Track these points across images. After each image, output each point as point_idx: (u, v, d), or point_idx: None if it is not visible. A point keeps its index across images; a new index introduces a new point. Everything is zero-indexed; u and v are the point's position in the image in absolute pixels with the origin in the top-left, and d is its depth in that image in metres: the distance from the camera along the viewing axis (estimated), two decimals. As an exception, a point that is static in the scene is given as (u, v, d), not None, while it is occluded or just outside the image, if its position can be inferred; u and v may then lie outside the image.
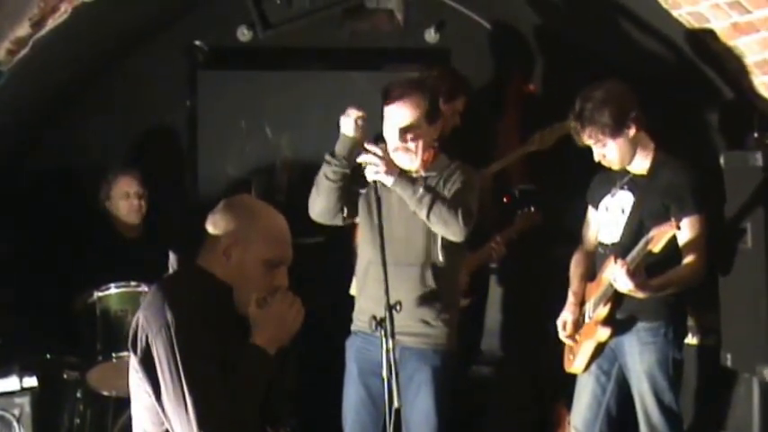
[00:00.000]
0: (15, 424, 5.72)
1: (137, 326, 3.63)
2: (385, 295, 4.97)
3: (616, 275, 5.23)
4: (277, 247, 3.78)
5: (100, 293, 6.09)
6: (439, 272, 5.40)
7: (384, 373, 4.94)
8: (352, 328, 5.68)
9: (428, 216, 5.30)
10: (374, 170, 5.25)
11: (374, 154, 5.24)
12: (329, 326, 5.83)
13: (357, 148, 5.34)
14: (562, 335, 5.67)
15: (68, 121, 7.32)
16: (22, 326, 6.27)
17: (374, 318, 5.04)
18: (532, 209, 6.74)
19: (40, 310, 6.36)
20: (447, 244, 5.40)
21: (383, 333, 4.94)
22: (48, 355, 6.20)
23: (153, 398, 3.59)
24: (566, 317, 5.67)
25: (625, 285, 5.20)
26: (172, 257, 3.68)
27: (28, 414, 5.76)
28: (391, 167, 5.28)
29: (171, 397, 3.53)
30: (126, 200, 6.61)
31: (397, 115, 5.36)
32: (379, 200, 5.23)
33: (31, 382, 5.84)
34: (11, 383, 5.79)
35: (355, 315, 5.67)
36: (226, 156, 7.48)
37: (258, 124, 7.42)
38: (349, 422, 5.67)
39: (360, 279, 5.58)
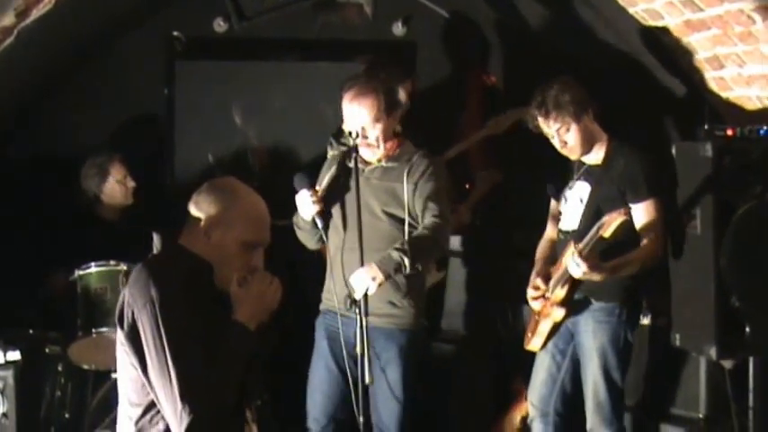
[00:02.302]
0: (-1, 396, 5.75)
1: (123, 302, 3.66)
2: None
3: (569, 260, 5.31)
4: (257, 229, 3.81)
5: (80, 272, 6.09)
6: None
7: (357, 349, 5.01)
8: (321, 307, 5.72)
9: (422, 265, 5.47)
10: (366, 288, 5.23)
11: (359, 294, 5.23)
12: (306, 305, 5.90)
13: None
14: (531, 295, 5.73)
15: (51, 109, 7.31)
16: (6, 303, 6.27)
17: (349, 297, 5.11)
18: (491, 169, 6.75)
19: (23, 289, 6.37)
20: (412, 230, 5.45)
21: (358, 311, 5.01)
22: (30, 331, 6.21)
23: (139, 371, 3.62)
24: (533, 282, 5.72)
25: (578, 268, 5.26)
26: (155, 238, 3.70)
27: (11, 386, 5.76)
28: (375, 277, 5.25)
29: (156, 370, 3.56)
30: (121, 185, 6.63)
31: (356, 114, 5.41)
32: (358, 183, 5.31)
33: (15, 356, 5.84)
34: (-5, 357, 5.82)
35: (324, 295, 5.70)
36: (202, 142, 7.50)
37: (232, 112, 7.44)
38: (317, 397, 5.69)
39: (329, 262, 5.60)
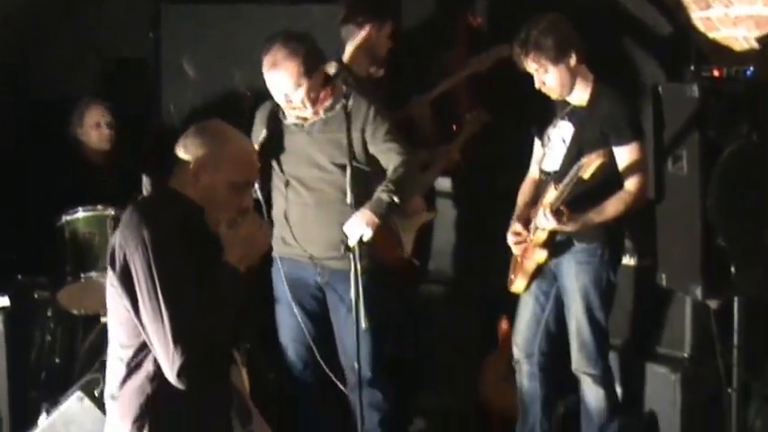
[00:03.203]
0: (-12, 341, 5.75)
1: (115, 244, 3.66)
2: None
3: (539, 218, 5.33)
4: (245, 170, 3.83)
5: (68, 217, 6.08)
6: (356, 200, 5.34)
7: (351, 294, 5.02)
8: (276, 254, 5.68)
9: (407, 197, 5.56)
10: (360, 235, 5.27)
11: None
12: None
13: None
14: (511, 240, 5.73)
15: (39, 54, 7.25)
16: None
17: (343, 242, 5.13)
18: (480, 110, 6.73)
19: (10, 234, 6.34)
20: (356, 174, 5.37)
21: (353, 257, 5.03)
22: (19, 276, 6.19)
23: (131, 312, 3.62)
24: (513, 228, 5.72)
25: (547, 222, 5.33)
26: (145, 180, 3.70)
27: (1, 332, 5.76)
28: (370, 223, 5.29)
29: (148, 311, 3.57)
30: (97, 129, 6.60)
31: (276, 82, 5.38)
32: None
33: (4, 301, 5.83)
34: (-16, 303, 5.81)
35: (277, 241, 5.59)
36: (189, 86, 7.43)
37: (217, 55, 7.36)
38: (288, 344, 5.76)
39: (279, 220, 5.61)
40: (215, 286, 3.67)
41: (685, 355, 6.03)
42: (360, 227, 5.24)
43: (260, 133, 5.58)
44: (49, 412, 5.36)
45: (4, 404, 5.75)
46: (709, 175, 4.97)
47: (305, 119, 5.51)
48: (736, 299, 5.06)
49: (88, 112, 6.60)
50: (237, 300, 3.78)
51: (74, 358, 6.21)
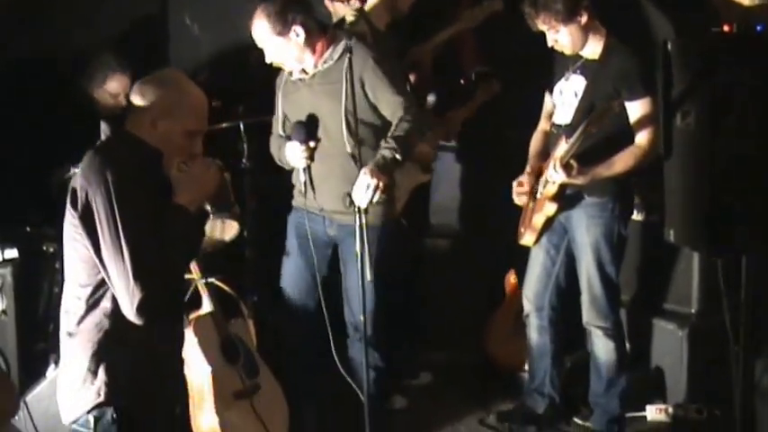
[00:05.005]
0: (-2, 293, 5.75)
1: (76, 185, 3.75)
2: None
3: (549, 171, 5.31)
4: (200, 119, 3.96)
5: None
6: (362, 155, 5.34)
7: (357, 248, 5.02)
8: (293, 203, 5.77)
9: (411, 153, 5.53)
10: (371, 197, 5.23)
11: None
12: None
13: None
14: (516, 191, 5.72)
15: (46, 11, 7.19)
16: (3, 201, 6.24)
17: (348, 195, 5.12)
18: (493, 80, 6.73)
19: (19, 187, 6.33)
20: (359, 125, 5.36)
21: (357, 212, 5.02)
22: (28, 228, 6.18)
23: (91, 251, 3.72)
24: (521, 178, 5.71)
25: (557, 175, 5.32)
26: (103, 126, 3.77)
27: (9, 284, 5.76)
28: (379, 178, 5.22)
29: (109, 249, 3.67)
30: (114, 99, 6.52)
31: (257, 41, 5.44)
32: None
33: (12, 253, 5.83)
34: (-7, 255, 5.81)
35: (295, 192, 5.72)
36: (197, 41, 7.41)
37: (221, 12, 7.31)
38: (291, 294, 5.78)
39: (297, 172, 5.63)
40: (170, 227, 3.77)
41: (692, 311, 6.03)
42: (369, 191, 5.19)
43: (277, 94, 5.67)
44: (57, 363, 5.36)
45: (13, 355, 5.75)
46: (718, 132, 4.95)
47: (306, 72, 5.50)
48: (744, 255, 5.04)
49: (111, 81, 6.50)
50: (192, 240, 3.96)
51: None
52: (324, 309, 5.41)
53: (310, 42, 5.42)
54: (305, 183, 5.47)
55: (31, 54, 7.06)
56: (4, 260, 5.80)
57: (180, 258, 3.93)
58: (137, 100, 3.89)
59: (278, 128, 5.71)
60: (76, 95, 6.58)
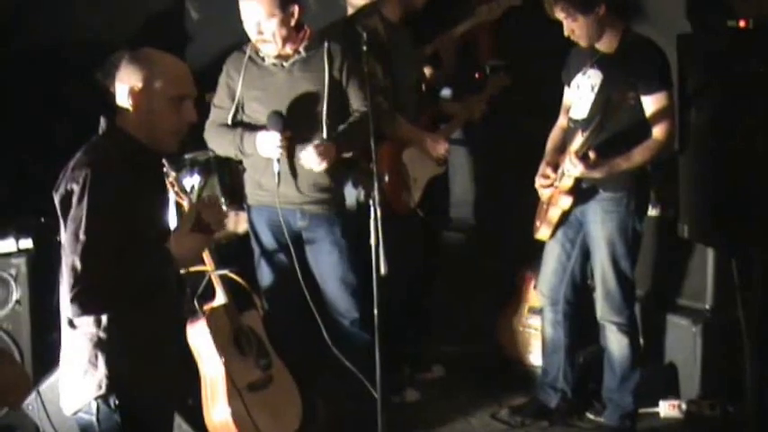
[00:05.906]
0: (12, 283, 5.74)
1: (65, 176, 3.74)
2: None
3: (565, 164, 5.30)
4: (180, 82, 3.85)
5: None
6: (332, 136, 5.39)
7: (372, 241, 5.00)
8: (252, 202, 5.68)
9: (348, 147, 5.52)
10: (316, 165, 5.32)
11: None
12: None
13: None
14: (539, 183, 5.71)
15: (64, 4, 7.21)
16: (19, 192, 6.26)
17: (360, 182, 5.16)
18: (502, 73, 6.72)
19: (34, 177, 6.34)
20: (334, 113, 5.41)
21: (373, 204, 5.00)
22: (42, 219, 6.19)
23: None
24: (543, 171, 5.70)
25: (574, 168, 5.33)
26: (102, 121, 3.77)
27: (24, 274, 5.77)
28: (325, 157, 5.31)
29: (68, 238, 3.66)
30: None
31: (250, 11, 5.34)
32: None
33: (27, 243, 5.84)
34: (8, 245, 5.80)
35: (257, 191, 5.62)
36: (215, 35, 7.39)
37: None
38: (274, 291, 5.72)
39: (258, 165, 5.56)
40: (150, 258, 3.78)
41: (706, 307, 6.01)
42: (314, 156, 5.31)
43: (235, 80, 5.55)
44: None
45: (27, 345, 5.77)
46: (733, 128, 4.94)
47: (285, 57, 5.45)
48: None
49: None
50: (162, 271, 3.86)
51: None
52: (308, 298, 5.37)
53: (298, 27, 5.42)
54: (279, 173, 5.38)
55: (52, 43, 7.07)
56: (18, 250, 5.82)
57: (136, 281, 3.76)
58: (117, 88, 3.87)
59: (227, 117, 5.58)
60: (95, 89, 6.58)
